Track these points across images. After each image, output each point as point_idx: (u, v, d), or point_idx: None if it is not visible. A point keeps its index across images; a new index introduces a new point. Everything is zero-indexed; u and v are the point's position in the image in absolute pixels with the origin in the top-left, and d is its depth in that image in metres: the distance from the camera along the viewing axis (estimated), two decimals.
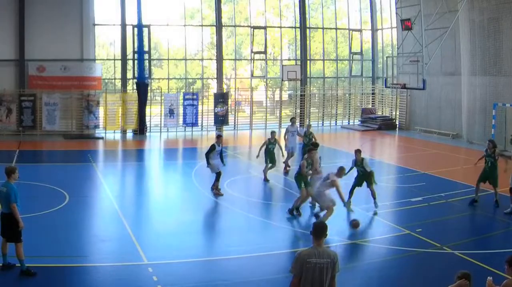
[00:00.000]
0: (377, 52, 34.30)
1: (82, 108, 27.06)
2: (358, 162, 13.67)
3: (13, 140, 24.71)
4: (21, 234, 9.00)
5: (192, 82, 32.53)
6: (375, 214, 13.19)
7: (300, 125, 31.88)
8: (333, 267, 5.96)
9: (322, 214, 12.38)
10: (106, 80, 29.69)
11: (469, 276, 6.06)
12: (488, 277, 6.31)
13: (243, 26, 32.50)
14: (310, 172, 13.38)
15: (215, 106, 29.22)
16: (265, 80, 33.83)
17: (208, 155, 15.08)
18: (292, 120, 20.05)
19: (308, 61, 32.52)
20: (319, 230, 6.02)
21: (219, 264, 10.07)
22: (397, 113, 32.16)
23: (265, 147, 17.19)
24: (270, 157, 17.23)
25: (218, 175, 15.13)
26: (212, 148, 15.14)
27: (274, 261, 10.01)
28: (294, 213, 12.99)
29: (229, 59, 31.92)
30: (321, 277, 5.88)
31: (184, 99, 28.75)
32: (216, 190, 15.05)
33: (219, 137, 15.91)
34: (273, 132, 17.67)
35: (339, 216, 13.69)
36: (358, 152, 13.80)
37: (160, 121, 28.70)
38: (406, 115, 31.03)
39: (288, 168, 18.36)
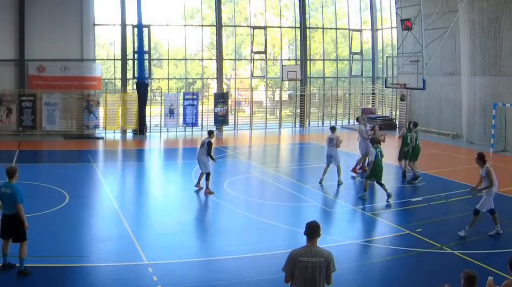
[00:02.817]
0: (377, 52, 34.31)
1: (82, 108, 27.07)
2: None
3: (13, 140, 24.72)
4: (25, 232, 9.01)
5: (192, 82, 32.54)
6: None
7: (300, 126, 32.00)
8: (328, 266, 6.00)
9: None
10: (106, 80, 29.70)
11: (473, 277, 5.91)
12: (489, 277, 6.28)
13: (243, 26, 32.51)
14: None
15: (215, 106, 29.23)
16: (265, 80, 33.84)
17: (210, 153, 15.14)
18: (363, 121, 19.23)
19: (308, 61, 32.53)
20: (312, 230, 6.11)
21: (219, 264, 10.07)
22: (397, 113, 32.18)
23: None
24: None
25: (208, 175, 15.19)
26: (211, 144, 15.23)
27: (274, 261, 9.97)
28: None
29: (229, 59, 31.92)
30: (314, 276, 5.94)
31: (184, 99, 28.76)
32: (207, 189, 15.13)
33: (213, 133, 15.94)
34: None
35: (339, 216, 13.71)
36: None
37: (160, 121, 28.70)
38: (406, 115, 31.01)
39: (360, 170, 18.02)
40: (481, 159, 11.51)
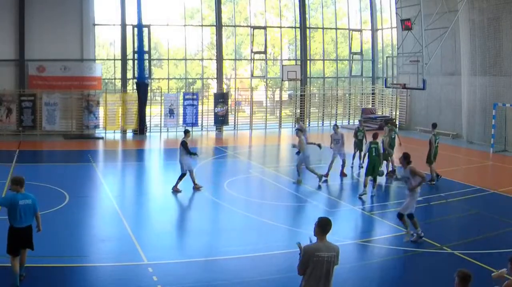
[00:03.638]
0: (377, 52, 34.32)
1: (82, 108, 27.08)
2: None
3: (13, 140, 24.71)
4: None
5: (192, 82, 32.55)
6: None
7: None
8: (336, 260, 6.29)
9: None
10: (106, 80, 29.70)
11: (467, 276, 5.96)
12: (503, 269, 6.35)
13: (243, 26, 32.51)
14: None
15: (215, 106, 29.24)
16: (265, 80, 33.84)
17: (188, 152, 15.28)
18: (334, 127, 18.58)
19: (308, 61, 32.53)
20: (324, 225, 6.26)
21: (219, 264, 10.07)
22: (397, 113, 32.18)
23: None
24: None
25: (183, 175, 15.27)
26: (185, 144, 15.31)
27: (274, 261, 10.00)
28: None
29: (229, 59, 31.92)
30: (328, 270, 6.19)
31: (184, 99, 28.77)
32: (176, 187, 15.24)
33: (188, 132, 16.01)
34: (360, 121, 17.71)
35: (339, 216, 13.70)
36: None
37: (160, 121, 28.71)
38: (406, 115, 31.04)
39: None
40: (405, 158, 11.10)
